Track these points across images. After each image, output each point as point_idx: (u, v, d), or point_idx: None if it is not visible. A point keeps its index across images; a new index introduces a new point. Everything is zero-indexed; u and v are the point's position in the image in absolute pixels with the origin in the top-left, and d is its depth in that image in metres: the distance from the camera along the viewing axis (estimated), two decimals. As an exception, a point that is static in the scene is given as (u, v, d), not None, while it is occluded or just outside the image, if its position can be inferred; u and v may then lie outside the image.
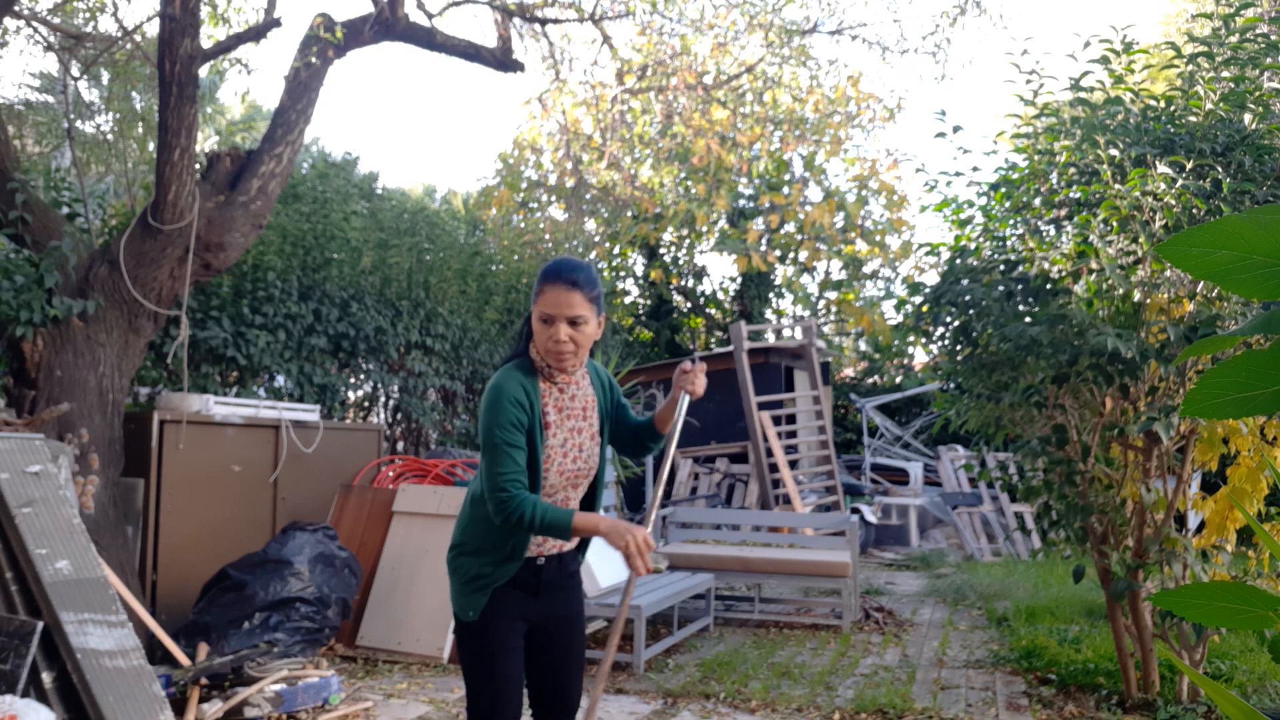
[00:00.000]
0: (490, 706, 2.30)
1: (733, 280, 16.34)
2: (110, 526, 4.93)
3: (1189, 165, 4.07)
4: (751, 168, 13.81)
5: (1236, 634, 5.49)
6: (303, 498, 6.01)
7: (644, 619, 5.23)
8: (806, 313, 16.03)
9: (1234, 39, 4.50)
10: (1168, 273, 4.13)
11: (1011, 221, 4.83)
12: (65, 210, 5.87)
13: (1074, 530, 4.61)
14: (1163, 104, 4.59)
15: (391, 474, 6.47)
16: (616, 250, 15.53)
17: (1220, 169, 4.22)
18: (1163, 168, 4.07)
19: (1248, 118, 4.34)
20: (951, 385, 5.33)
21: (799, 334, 12.23)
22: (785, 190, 14.39)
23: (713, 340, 16.32)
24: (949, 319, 4.88)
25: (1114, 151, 4.27)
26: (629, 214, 13.97)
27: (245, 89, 23.62)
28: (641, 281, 15.93)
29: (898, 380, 16.57)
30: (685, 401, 2.45)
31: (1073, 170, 4.60)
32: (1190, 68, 4.59)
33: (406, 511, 5.79)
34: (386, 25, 6.13)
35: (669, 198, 12.05)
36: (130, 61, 7.02)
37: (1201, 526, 4.59)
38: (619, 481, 7.75)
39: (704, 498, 10.60)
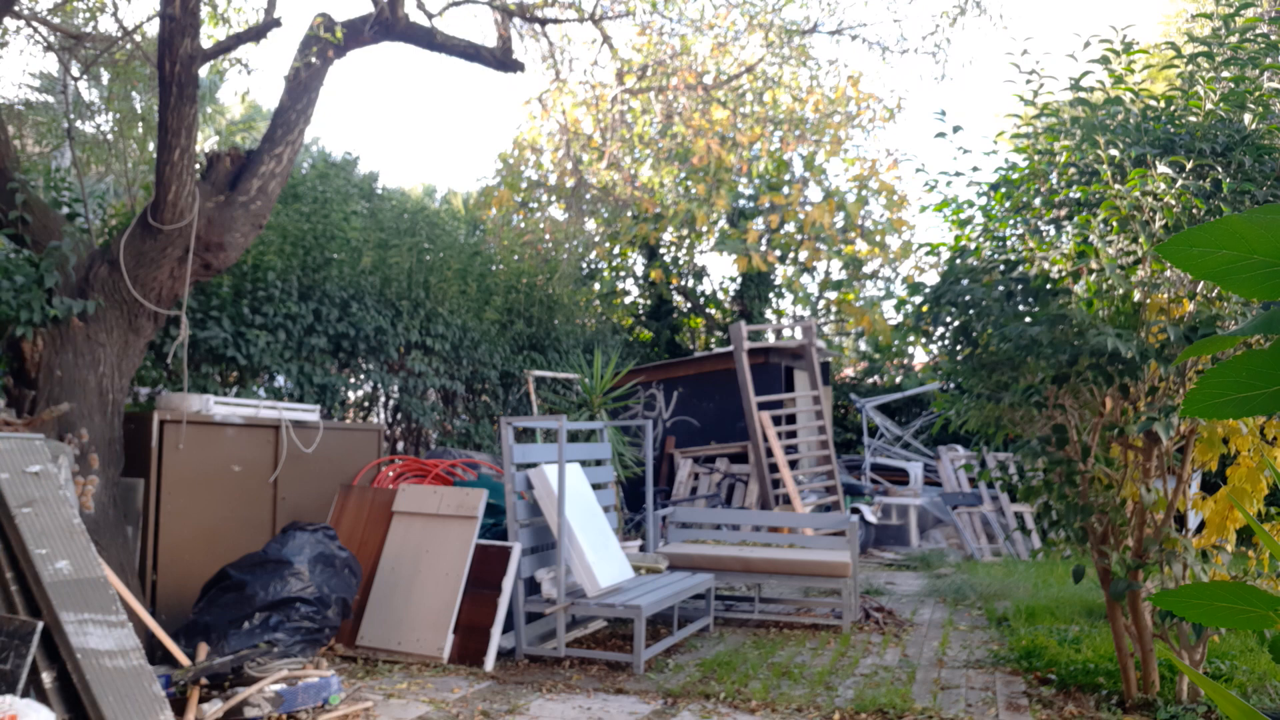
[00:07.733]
0: None
1: (733, 280, 16.33)
2: (110, 526, 4.93)
3: (1189, 165, 4.07)
4: (751, 168, 13.81)
5: (1236, 634, 5.49)
6: (303, 498, 6.01)
7: (644, 619, 5.22)
8: (806, 313, 16.02)
9: (1234, 39, 4.50)
10: (1168, 273, 4.13)
11: (1011, 221, 4.83)
12: (65, 210, 5.87)
13: (1074, 530, 4.61)
14: (1163, 104, 4.59)
15: (391, 474, 6.48)
16: (616, 250, 15.53)
17: (1220, 169, 4.22)
18: (1163, 168, 4.07)
19: (1248, 118, 4.34)
20: (951, 385, 5.33)
21: (799, 334, 12.22)
22: (785, 190, 14.39)
23: (713, 340, 16.31)
24: (949, 319, 4.88)
25: (1114, 151, 4.27)
26: (629, 214, 13.98)
27: (245, 89, 23.58)
28: (641, 281, 15.93)
29: (898, 380, 16.55)
30: None
31: (1073, 170, 4.61)
32: (1190, 68, 4.59)
33: (406, 511, 5.79)
34: (386, 25, 6.14)
35: (669, 198, 12.06)
36: (130, 61, 7.03)
37: (1201, 526, 4.59)
38: (619, 481, 7.74)
39: (704, 498, 10.60)
